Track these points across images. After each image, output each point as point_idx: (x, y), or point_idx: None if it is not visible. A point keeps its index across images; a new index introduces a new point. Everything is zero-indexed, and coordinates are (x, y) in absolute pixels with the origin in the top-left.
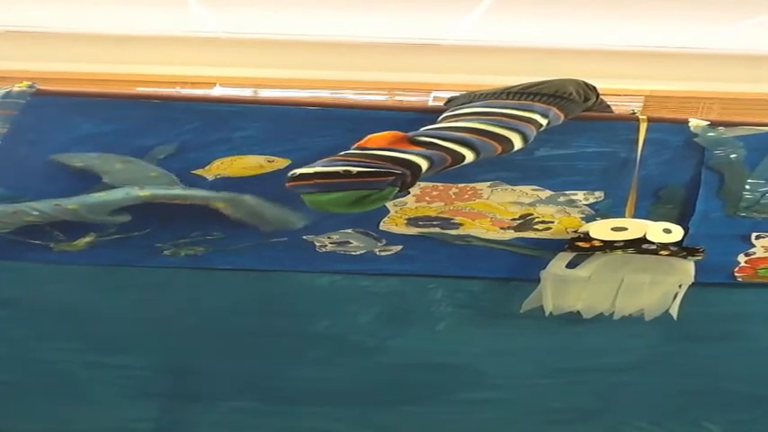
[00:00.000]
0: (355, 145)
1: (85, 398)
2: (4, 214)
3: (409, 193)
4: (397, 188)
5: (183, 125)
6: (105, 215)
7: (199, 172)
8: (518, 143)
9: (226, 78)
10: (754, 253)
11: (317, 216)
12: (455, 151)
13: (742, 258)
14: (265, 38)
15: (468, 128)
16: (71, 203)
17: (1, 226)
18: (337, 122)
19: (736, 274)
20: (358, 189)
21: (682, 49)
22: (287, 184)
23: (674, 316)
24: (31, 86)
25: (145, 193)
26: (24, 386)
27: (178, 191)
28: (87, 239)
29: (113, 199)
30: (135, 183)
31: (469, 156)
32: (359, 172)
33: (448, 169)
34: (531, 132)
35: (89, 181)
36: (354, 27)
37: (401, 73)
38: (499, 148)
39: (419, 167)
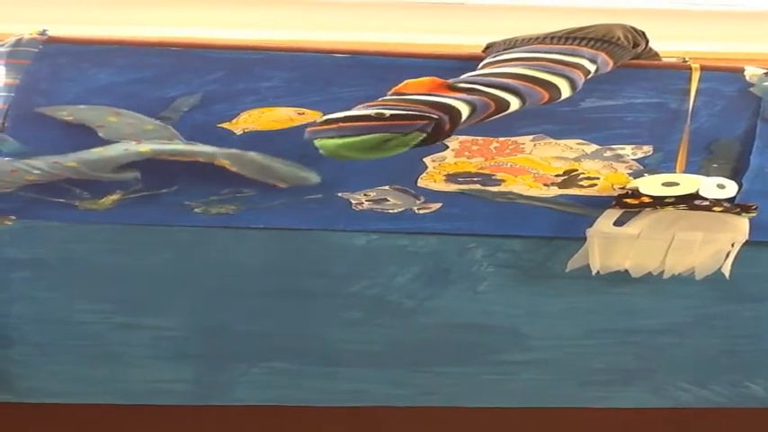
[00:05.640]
0: (392, 90)
1: (119, 359)
2: (2, 173)
3: (448, 147)
4: (424, 134)
5: (206, 74)
6: (109, 172)
7: (226, 125)
8: (566, 90)
9: (239, 40)
10: None
11: (333, 172)
12: (499, 97)
13: None
14: None
15: (513, 74)
16: (70, 161)
17: (2, 185)
18: (370, 71)
19: None
20: (381, 132)
21: (719, 8)
22: (307, 130)
23: (727, 275)
24: (42, 33)
25: (144, 148)
26: (56, 348)
27: (179, 146)
28: (114, 197)
29: (113, 155)
30: (132, 137)
31: (515, 103)
32: (392, 115)
33: (492, 118)
34: (580, 79)
35: (89, 136)
36: None
37: (422, 34)
38: (546, 96)
39: (459, 113)
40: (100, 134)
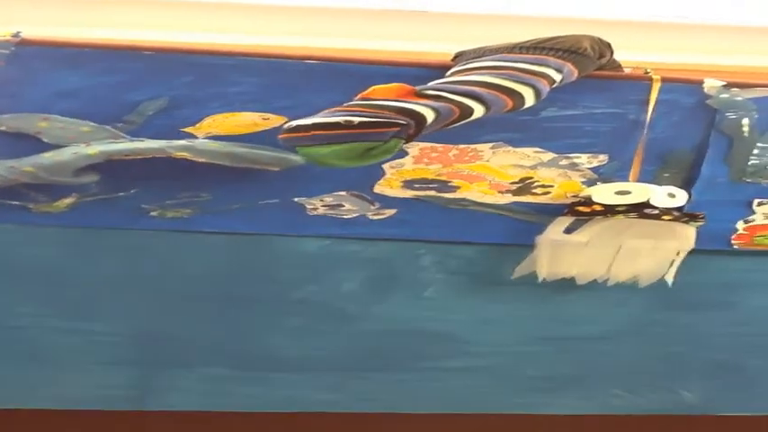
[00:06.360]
0: (358, 96)
1: (54, 364)
2: None
3: (407, 153)
4: (403, 141)
5: (175, 78)
6: (69, 176)
7: (188, 129)
8: (530, 99)
9: (210, 45)
10: (754, 220)
11: (292, 178)
12: (463, 104)
13: (741, 225)
14: (257, 3)
15: (479, 81)
16: (26, 166)
17: None
18: (339, 78)
19: (733, 242)
20: (360, 141)
21: (682, 21)
22: (279, 137)
23: (669, 283)
24: (15, 35)
25: (93, 150)
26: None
27: (126, 144)
28: (69, 201)
29: (65, 159)
30: (76, 140)
31: (478, 110)
32: (360, 122)
33: (455, 124)
34: (545, 87)
35: (39, 141)
36: None
37: (392, 41)
38: (510, 103)
39: (424, 118)
40: (44, 140)
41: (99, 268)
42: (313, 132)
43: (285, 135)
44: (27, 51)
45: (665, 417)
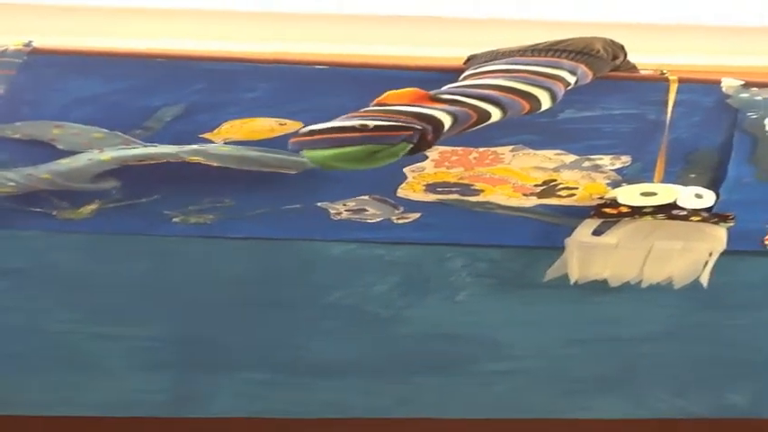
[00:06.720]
0: (374, 101)
1: (96, 369)
2: None
3: (428, 157)
4: (411, 145)
5: (189, 85)
6: (87, 183)
7: (207, 135)
8: (546, 102)
9: (224, 52)
10: None
11: (313, 182)
12: (480, 108)
13: None
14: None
15: (495, 85)
16: (43, 173)
17: None
18: (353, 82)
19: (766, 242)
20: (369, 144)
21: (696, 23)
22: (291, 141)
23: (705, 284)
24: (27, 44)
25: (105, 157)
26: (34, 358)
27: (139, 150)
28: (92, 207)
29: (81, 165)
30: (91, 146)
31: (496, 114)
32: (376, 126)
33: (473, 128)
34: (560, 90)
35: (54, 148)
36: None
37: (403, 47)
38: (527, 107)
39: (441, 123)
40: (59, 147)
41: (128, 274)
42: (325, 135)
43: (296, 139)
44: (38, 60)
45: (713, 420)
